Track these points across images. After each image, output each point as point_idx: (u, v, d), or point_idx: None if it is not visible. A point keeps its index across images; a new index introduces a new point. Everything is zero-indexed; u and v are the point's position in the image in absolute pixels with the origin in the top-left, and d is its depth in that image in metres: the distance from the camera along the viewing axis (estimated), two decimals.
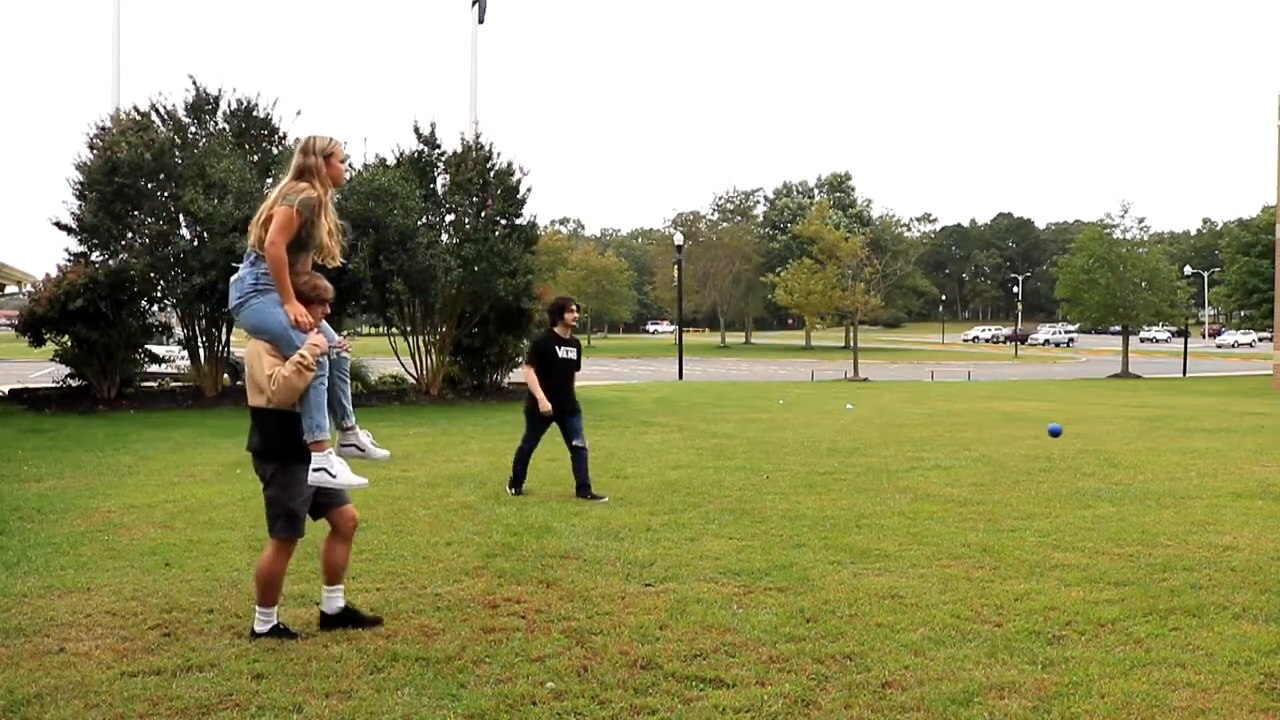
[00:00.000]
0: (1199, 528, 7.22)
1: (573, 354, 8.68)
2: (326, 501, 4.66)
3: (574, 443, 8.52)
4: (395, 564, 6.09)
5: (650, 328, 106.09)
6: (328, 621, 4.76)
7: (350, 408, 4.73)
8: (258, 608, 4.65)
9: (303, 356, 4.34)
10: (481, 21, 24.01)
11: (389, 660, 4.30)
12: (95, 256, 18.18)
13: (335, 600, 4.79)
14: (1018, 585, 5.53)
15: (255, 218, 4.51)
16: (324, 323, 4.61)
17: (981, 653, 4.41)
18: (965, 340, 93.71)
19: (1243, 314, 50.95)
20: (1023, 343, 79.96)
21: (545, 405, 8.41)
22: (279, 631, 4.61)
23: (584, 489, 8.47)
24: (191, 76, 27.78)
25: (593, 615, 4.98)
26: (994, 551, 6.42)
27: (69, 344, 17.97)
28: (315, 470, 4.44)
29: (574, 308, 8.72)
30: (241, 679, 4.07)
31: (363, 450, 4.71)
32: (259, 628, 4.62)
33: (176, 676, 4.11)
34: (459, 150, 20.26)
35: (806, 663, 4.30)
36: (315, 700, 3.86)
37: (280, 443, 4.48)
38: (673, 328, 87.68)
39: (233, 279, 4.55)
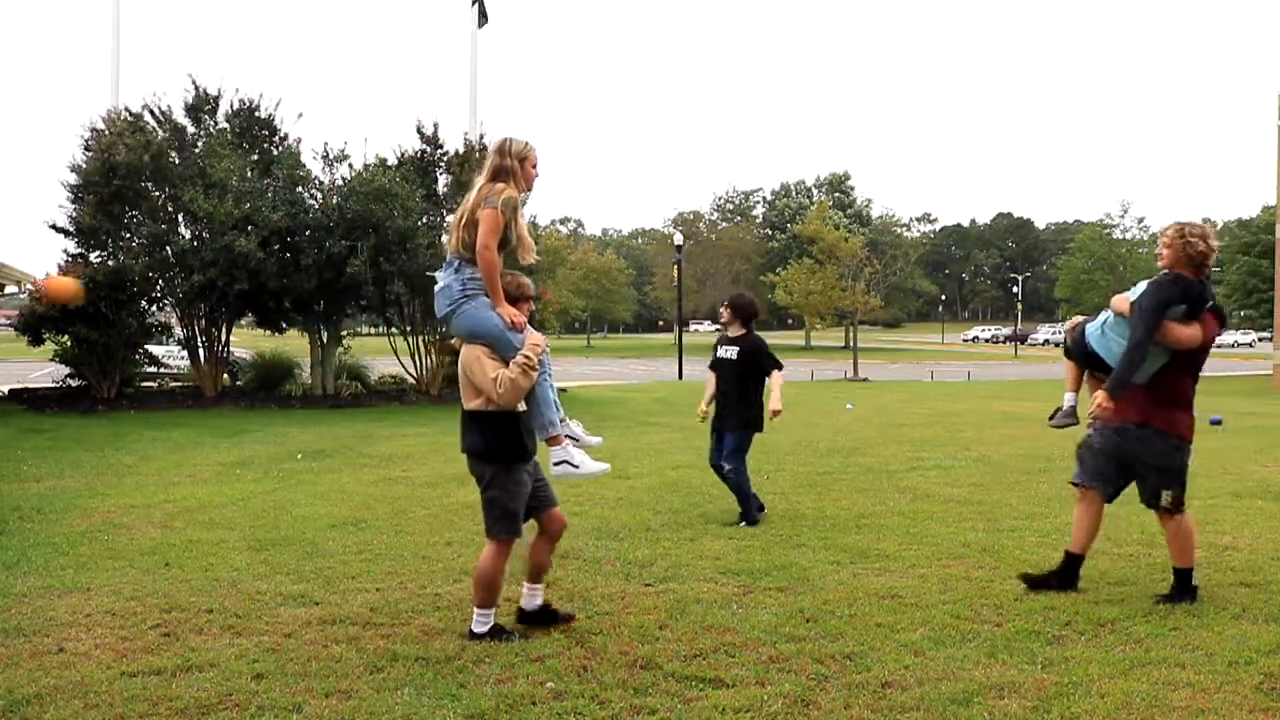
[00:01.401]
0: (1199, 528, 7.19)
1: (731, 353, 7.49)
2: (535, 505, 4.68)
3: (717, 461, 7.54)
4: (395, 564, 6.09)
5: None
6: (524, 617, 4.76)
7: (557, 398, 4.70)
8: (476, 609, 4.59)
9: (527, 357, 4.36)
10: (485, 22, 23.92)
11: (389, 660, 4.30)
12: (94, 256, 18.19)
13: (535, 598, 4.79)
14: (1018, 585, 5.52)
15: (455, 221, 4.51)
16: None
17: (981, 653, 4.41)
18: (965, 340, 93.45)
19: (1242, 314, 50.97)
20: (1022, 343, 79.72)
21: (699, 406, 7.63)
22: (498, 632, 4.58)
23: (745, 514, 7.33)
24: (191, 76, 27.77)
25: (593, 615, 4.98)
26: (994, 551, 6.42)
27: (69, 344, 17.98)
28: (558, 464, 4.48)
29: (725, 304, 7.75)
30: (241, 679, 4.07)
31: (577, 439, 4.69)
32: (478, 629, 4.57)
33: (176, 676, 4.11)
34: (461, 150, 20.25)
35: (806, 663, 4.30)
36: (315, 700, 3.86)
37: (501, 444, 4.48)
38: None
39: (437, 289, 4.53)
